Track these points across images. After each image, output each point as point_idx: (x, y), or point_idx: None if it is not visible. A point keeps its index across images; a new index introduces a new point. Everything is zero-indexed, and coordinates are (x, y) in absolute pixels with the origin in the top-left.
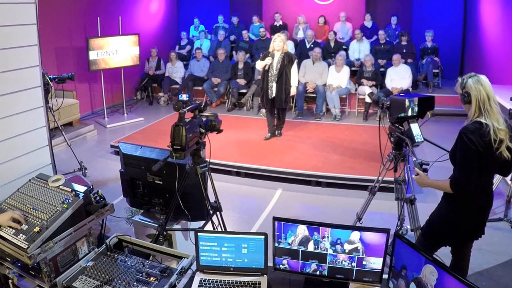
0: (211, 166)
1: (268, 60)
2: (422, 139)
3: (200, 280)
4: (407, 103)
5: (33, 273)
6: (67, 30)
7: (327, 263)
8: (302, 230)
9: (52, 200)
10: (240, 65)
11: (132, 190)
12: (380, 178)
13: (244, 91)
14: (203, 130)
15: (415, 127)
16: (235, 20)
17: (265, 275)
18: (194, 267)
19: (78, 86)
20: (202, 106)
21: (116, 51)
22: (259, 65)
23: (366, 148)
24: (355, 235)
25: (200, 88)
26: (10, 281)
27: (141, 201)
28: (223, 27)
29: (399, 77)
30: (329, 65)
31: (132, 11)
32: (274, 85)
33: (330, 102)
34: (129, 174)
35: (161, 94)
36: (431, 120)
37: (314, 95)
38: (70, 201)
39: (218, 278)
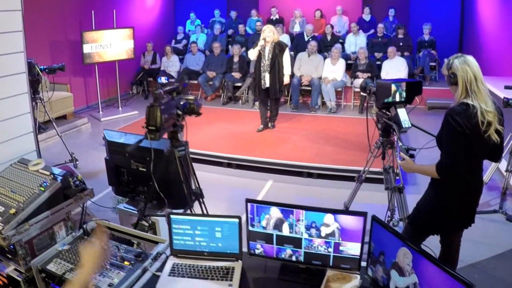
0: (201, 157)
1: (260, 43)
2: (410, 125)
3: (173, 265)
4: (393, 88)
5: (10, 256)
6: (61, 23)
7: (303, 248)
8: (275, 213)
9: (30, 183)
10: (236, 59)
11: (117, 178)
12: (367, 166)
13: (239, 84)
14: (180, 112)
15: (402, 112)
16: (233, 14)
17: (239, 261)
18: (169, 252)
19: (73, 80)
20: (180, 88)
21: (110, 45)
22: (252, 53)
23: (360, 140)
24: (329, 218)
25: (195, 81)
26: None
27: (126, 189)
28: (219, 21)
29: (394, 69)
30: (325, 58)
31: (127, 5)
32: (267, 75)
33: (325, 95)
34: (114, 161)
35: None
36: (427, 113)
37: (309, 88)
38: (47, 184)
39: (191, 263)
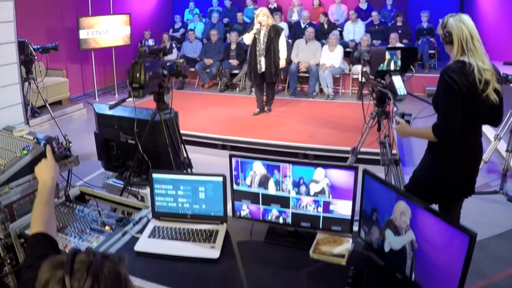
0: (195, 139)
1: (256, 26)
2: (405, 92)
3: (154, 227)
4: (388, 56)
5: None
6: (58, 10)
7: (290, 208)
8: (260, 169)
9: (13, 147)
10: (233, 46)
11: (106, 153)
12: (362, 138)
13: (236, 71)
14: (166, 72)
15: (397, 80)
16: (227, 3)
17: (224, 224)
18: (151, 216)
19: (69, 67)
20: (167, 49)
21: (107, 31)
22: (248, 37)
23: (357, 124)
24: (319, 174)
25: (192, 69)
26: None
27: (115, 163)
28: (217, 10)
29: None
30: (323, 45)
31: None
32: (263, 59)
33: (323, 82)
34: (103, 135)
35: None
36: (426, 99)
37: (307, 75)
38: (30, 147)
39: (173, 226)
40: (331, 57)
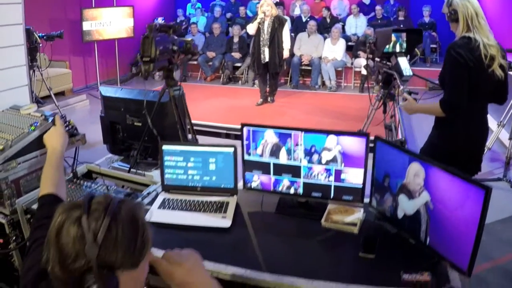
0: (198, 128)
1: (260, 15)
2: (411, 73)
3: (164, 199)
4: (393, 38)
5: None
6: (62, 1)
7: (302, 177)
8: (270, 137)
9: (20, 124)
10: (236, 39)
11: (112, 136)
12: (368, 120)
13: (239, 64)
14: (175, 48)
15: (403, 61)
16: None
17: (234, 196)
18: (160, 189)
19: (72, 59)
20: (177, 27)
21: (110, 22)
22: (251, 27)
23: (360, 114)
24: (331, 141)
25: (195, 62)
26: None
27: (121, 147)
28: (220, 4)
29: None
30: (325, 39)
31: None
32: (267, 49)
33: (325, 74)
34: (109, 117)
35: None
36: (428, 92)
37: (309, 67)
38: (38, 124)
39: (182, 198)
40: (333, 50)
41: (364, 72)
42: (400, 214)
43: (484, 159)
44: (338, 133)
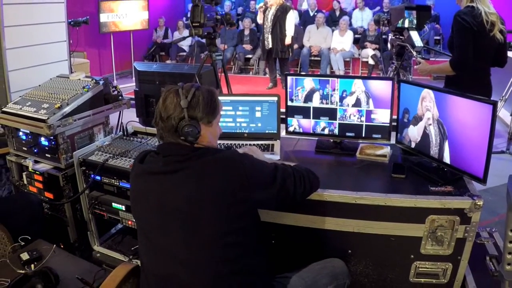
0: None
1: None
2: (422, 44)
3: None
4: (405, 14)
5: (49, 155)
6: None
7: (337, 119)
8: (308, 84)
9: (73, 87)
10: (246, 32)
11: (145, 109)
12: None
13: (250, 56)
14: (219, 17)
15: (414, 34)
16: None
17: (278, 140)
18: None
19: (88, 51)
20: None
21: (126, 15)
22: (258, 17)
23: None
24: (359, 85)
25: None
26: (24, 173)
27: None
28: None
29: None
30: (333, 31)
31: None
32: (270, 36)
33: (334, 64)
34: (143, 91)
35: (168, 61)
36: (432, 82)
37: (319, 58)
38: (90, 86)
39: (232, 142)
40: (341, 41)
41: (371, 62)
42: (413, 145)
43: None
44: (365, 78)
